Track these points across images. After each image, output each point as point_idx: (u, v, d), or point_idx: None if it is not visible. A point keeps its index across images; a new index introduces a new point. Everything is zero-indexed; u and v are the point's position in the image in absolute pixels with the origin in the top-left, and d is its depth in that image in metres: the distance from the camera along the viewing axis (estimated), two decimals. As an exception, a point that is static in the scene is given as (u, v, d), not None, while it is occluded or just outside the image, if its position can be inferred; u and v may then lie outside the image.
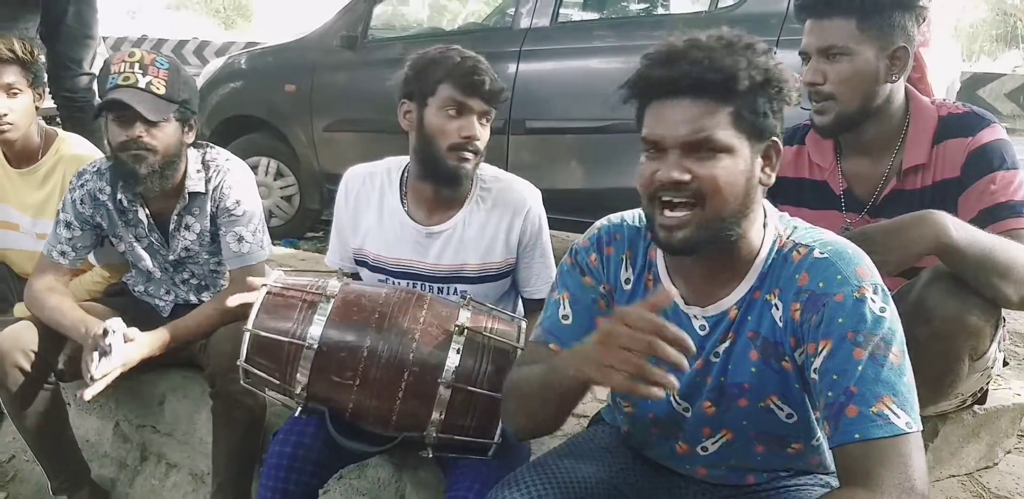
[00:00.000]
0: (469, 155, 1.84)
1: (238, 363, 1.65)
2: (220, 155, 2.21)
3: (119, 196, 2.14)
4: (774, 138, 1.26)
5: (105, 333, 1.92)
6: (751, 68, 1.19)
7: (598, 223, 1.45)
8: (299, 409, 1.67)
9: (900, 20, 1.70)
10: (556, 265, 2.03)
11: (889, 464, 1.11)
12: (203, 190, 2.14)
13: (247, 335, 1.64)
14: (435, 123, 1.83)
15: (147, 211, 2.17)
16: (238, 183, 2.17)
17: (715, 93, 1.19)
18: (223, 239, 2.17)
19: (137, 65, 2.01)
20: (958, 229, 1.50)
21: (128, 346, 1.96)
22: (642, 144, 1.25)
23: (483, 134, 1.86)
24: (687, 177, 1.19)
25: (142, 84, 2.00)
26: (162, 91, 2.02)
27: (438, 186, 1.89)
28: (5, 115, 2.31)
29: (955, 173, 1.72)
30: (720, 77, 1.18)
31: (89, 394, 1.90)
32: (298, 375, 1.62)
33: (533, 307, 2.05)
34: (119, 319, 1.99)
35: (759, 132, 1.23)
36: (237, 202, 2.15)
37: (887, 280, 1.26)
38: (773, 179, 1.27)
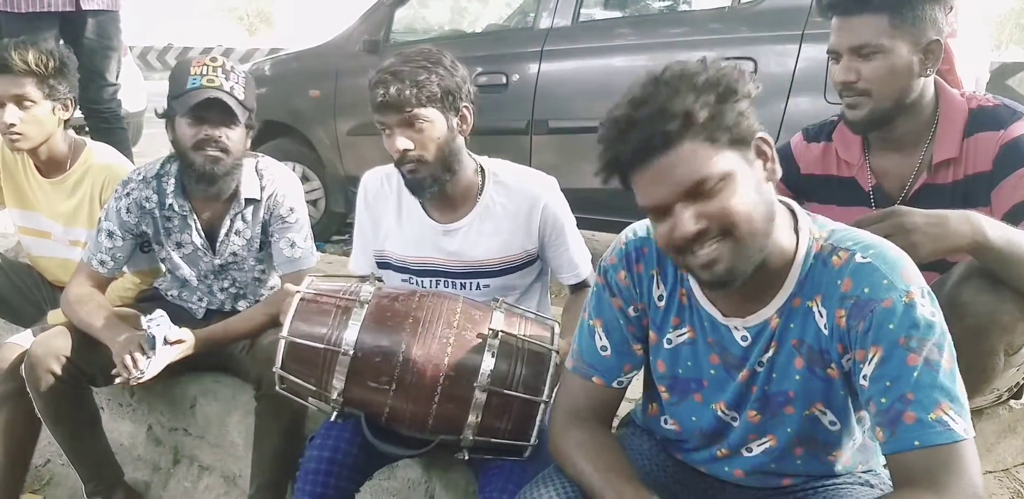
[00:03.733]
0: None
1: (274, 370, 1.66)
2: (272, 164, 2.26)
3: (169, 201, 2.18)
4: (759, 135, 1.20)
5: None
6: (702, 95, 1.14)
7: (623, 236, 1.43)
8: (335, 414, 1.67)
9: (931, 12, 1.66)
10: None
11: (954, 470, 1.11)
12: (258, 197, 2.20)
13: (282, 342, 1.64)
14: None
15: (196, 216, 2.21)
16: (291, 191, 2.24)
17: (678, 138, 1.14)
18: (276, 245, 2.23)
19: (220, 69, 2.06)
20: (993, 228, 1.47)
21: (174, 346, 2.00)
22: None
23: (406, 143, 1.81)
24: (704, 224, 1.16)
25: (226, 87, 2.05)
26: (242, 97, 2.08)
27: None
28: (13, 125, 2.31)
29: (987, 167, 1.70)
30: (679, 123, 1.13)
31: (135, 382, 1.94)
32: (334, 381, 1.62)
33: (576, 289, 2.06)
34: (162, 311, 2.02)
35: (743, 139, 1.18)
36: (291, 210, 2.23)
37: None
38: (779, 171, 1.24)
